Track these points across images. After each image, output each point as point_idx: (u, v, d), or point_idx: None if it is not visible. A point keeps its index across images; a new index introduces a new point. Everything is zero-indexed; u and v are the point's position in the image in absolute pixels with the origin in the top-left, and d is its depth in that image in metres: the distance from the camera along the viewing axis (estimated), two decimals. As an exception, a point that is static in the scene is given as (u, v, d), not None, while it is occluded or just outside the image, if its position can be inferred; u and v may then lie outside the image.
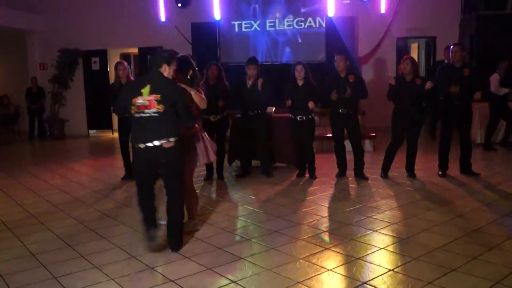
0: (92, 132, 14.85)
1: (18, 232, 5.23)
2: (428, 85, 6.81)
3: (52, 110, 14.60)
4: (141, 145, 4.27)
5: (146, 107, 4.19)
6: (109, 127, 14.50)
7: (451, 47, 7.16)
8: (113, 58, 14.08)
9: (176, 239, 4.55)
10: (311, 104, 7.04)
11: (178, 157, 4.39)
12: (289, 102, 7.16)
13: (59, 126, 14.54)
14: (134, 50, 14.52)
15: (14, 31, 14.38)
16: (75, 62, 14.55)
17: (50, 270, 4.13)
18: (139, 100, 4.20)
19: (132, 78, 7.52)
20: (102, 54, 14.45)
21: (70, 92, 14.69)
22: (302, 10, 12.79)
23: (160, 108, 4.18)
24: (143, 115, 4.21)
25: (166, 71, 4.37)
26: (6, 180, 8.15)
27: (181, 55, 5.12)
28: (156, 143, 4.22)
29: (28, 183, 7.87)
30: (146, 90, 4.21)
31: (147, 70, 4.51)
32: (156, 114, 4.19)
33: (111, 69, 14.03)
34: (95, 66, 14.56)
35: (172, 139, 4.25)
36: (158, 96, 4.18)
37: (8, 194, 7.12)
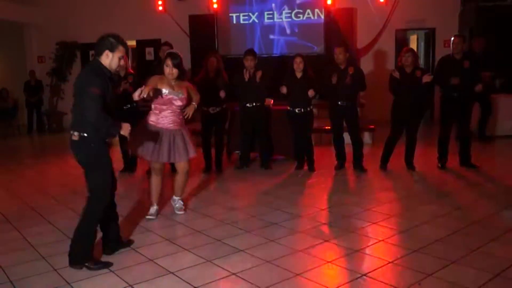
0: (90, 125, 14.79)
1: (17, 224, 5.23)
2: (426, 78, 6.80)
3: (50, 103, 14.57)
4: None
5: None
6: (107, 120, 14.45)
7: (452, 38, 7.13)
8: (111, 51, 14.02)
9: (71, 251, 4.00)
10: (310, 92, 7.03)
11: (85, 156, 4.01)
12: (284, 89, 7.12)
13: (58, 119, 14.53)
14: (132, 43, 14.45)
15: (11, 24, 14.32)
16: (73, 55, 14.53)
17: (50, 262, 4.13)
18: None
19: (131, 70, 7.49)
20: (100, 47, 14.39)
21: (69, 85, 14.65)
22: (298, 1, 12.74)
23: (74, 100, 3.98)
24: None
25: (109, 58, 4.00)
26: (5, 174, 8.15)
27: (171, 51, 5.24)
28: (71, 132, 3.99)
29: (27, 176, 7.86)
30: None
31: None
32: (74, 106, 4.00)
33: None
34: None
35: (76, 133, 3.93)
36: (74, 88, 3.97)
37: (7, 187, 7.12)
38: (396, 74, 6.95)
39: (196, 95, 5.42)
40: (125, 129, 4.03)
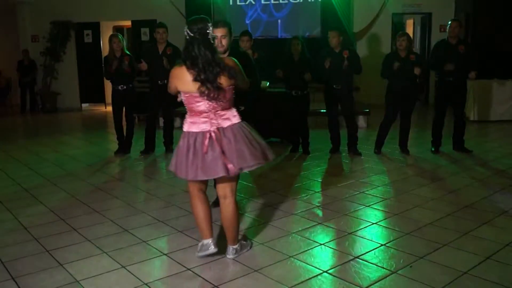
0: (84, 105, 14.75)
1: (10, 205, 5.21)
2: (417, 70, 6.82)
3: (44, 83, 14.47)
4: None
5: None
6: (101, 100, 14.42)
7: (450, 23, 7.12)
8: (106, 31, 13.94)
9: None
10: (308, 76, 7.00)
11: None
12: (280, 73, 7.12)
13: (51, 99, 14.44)
14: (127, 23, 14.35)
15: (4, 2, 14.16)
16: (67, 34, 14.38)
17: (43, 243, 4.12)
18: None
19: (126, 51, 7.44)
20: (95, 27, 14.28)
21: (62, 65, 14.54)
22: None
23: None
24: None
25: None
26: (-2, 153, 8.12)
27: None
28: None
29: (20, 156, 7.83)
30: None
31: None
32: None
33: (103, 42, 13.91)
34: (88, 39, 14.40)
35: None
36: None
37: (0, 168, 7.09)
38: (395, 66, 6.88)
39: None
40: None
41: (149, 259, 3.78)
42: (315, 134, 8.24)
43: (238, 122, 3.58)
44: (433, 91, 8.52)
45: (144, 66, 7.29)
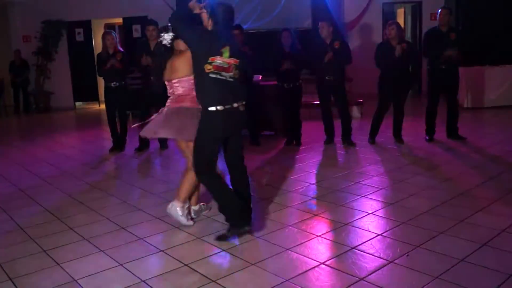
0: (78, 104, 14.70)
1: (5, 206, 5.20)
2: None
3: (37, 83, 14.40)
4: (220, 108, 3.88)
5: (224, 69, 3.85)
6: (95, 99, 14.39)
7: (439, 10, 7.13)
8: (98, 29, 13.87)
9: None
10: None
11: None
12: (284, 65, 7.09)
13: (45, 99, 14.40)
14: (119, 20, 14.28)
15: (-5, 3, 14.06)
16: (59, 33, 14.29)
17: (40, 243, 4.11)
18: (218, 61, 3.82)
19: (119, 48, 7.41)
20: (86, 25, 14.21)
21: (55, 64, 14.47)
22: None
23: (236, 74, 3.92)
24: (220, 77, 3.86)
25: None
26: (-7, 155, 8.09)
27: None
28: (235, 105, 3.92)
29: (15, 157, 7.81)
30: (226, 52, 3.83)
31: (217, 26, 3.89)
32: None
33: (95, 40, 13.85)
34: (79, 37, 14.33)
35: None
36: (237, 62, 3.89)
37: (-6, 168, 7.07)
38: (398, 51, 6.86)
39: None
40: None
41: (146, 256, 3.78)
42: (309, 125, 8.26)
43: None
44: (426, 80, 8.52)
45: (147, 60, 7.06)
